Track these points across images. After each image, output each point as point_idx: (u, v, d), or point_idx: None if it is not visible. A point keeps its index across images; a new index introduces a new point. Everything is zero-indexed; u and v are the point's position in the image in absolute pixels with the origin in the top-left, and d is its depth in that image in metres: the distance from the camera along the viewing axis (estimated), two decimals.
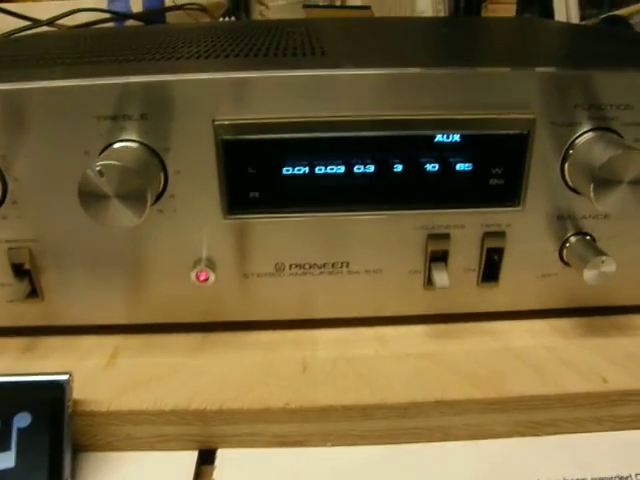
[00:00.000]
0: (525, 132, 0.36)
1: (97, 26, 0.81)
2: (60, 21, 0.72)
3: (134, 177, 0.33)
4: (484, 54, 0.50)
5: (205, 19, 0.85)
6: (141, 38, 0.62)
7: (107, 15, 0.79)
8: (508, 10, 0.97)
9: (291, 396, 0.36)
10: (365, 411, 0.36)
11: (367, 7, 0.89)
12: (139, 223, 0.34)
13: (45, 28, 0.68)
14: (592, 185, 0.34)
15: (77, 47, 0.58)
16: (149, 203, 0.33)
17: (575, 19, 0.95)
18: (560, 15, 0.94)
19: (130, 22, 0.88)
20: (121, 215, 0.33)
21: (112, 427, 0.36)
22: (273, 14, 0.91)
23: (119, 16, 0.78)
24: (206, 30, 0.69)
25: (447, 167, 0.37)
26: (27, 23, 0.67)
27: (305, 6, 0.93)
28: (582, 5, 0.95)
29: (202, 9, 0.75)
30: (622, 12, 0.96)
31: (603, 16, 0.96)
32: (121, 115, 0.35)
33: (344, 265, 0.40)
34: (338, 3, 0.91)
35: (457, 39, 0.60)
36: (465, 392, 0.36)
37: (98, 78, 0.35)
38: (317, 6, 0.91)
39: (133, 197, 0.33)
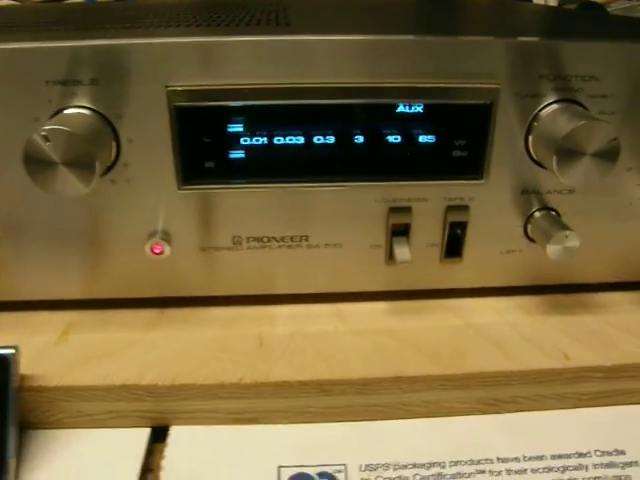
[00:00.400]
0: (489, 102, 0.35)
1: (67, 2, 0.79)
2: None
3: (81, 143, 0.31)
4: (452, 26, 0.49)
5: None
6: (107, 11, 0.60)
7: None
8: None
9: (245, 371, 0.35)
10: (322, 387, 0.35)
11: None
12: (88, 192, 0.32)
13: (6, 1, 0.65)
14: (555, 157, 0.33)
15: (37, 18, 0.56)
16: (97, 171, 0.32)
17: (552, 3, 0.95)
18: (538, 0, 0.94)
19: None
20: (68, 183, 0.32)
21: (62, 403, 0.35)
22: None
23: None
24: (177, 6, 0.67)
25: (409, 138, 0.37)
26: None
27: None
28: None
29: None
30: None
31: (580, 2, 0.96)
32: (71, 80, 0.34)
33: (303, 239, 0.39)
34: None
35: (427, 15, 0.59)
36: (425, 368, 0.35)
37: (47, 41, 0.34)
38: None
39: (81, 164, 0.32)
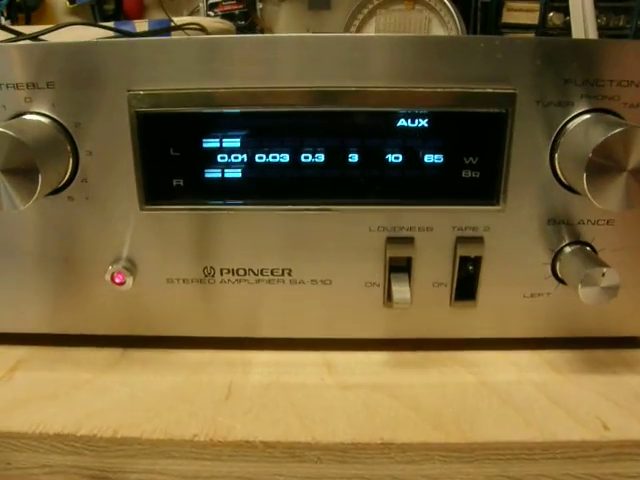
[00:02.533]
0: (503, 111, 0.30)
1: None
2: (57, 39, 0.69)
3: (25, 151, 0.27)
4: None
5: None
6: None
7: (111, 33, 0.75)
8: None
9: (203, 426, 0.29)
10: (292, 451, 0.28)
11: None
12: (24, 209, 0.28)
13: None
14: (585, 174, 0.27)
15: None
16: (40, 186, 0.28)
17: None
18: None
19: None
20: (3, 195, 0.28)
21: None
22: None
23: (122, 34, 0.75)
24: None
25: (411, 155, 0.31)
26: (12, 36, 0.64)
27: None
28: None
29: (202, 29, 0.72)
30: None
31: None
32: (25, 83, 0.30)
33: (286, 272, 0.33)
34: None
35: None
36: (422, 434, 0.29)
37: None
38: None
39: (22, 175, 0.28)
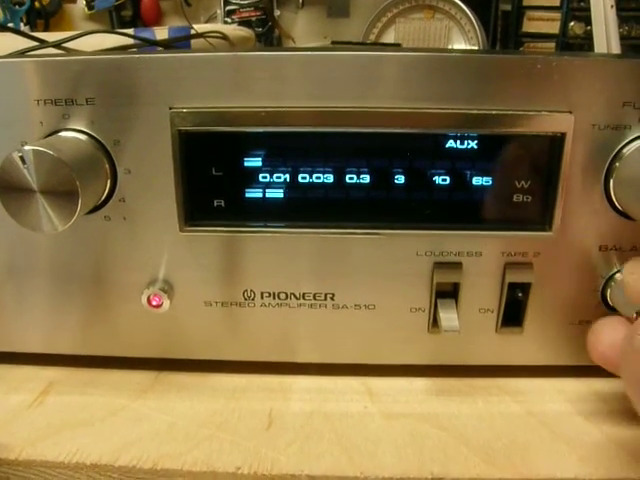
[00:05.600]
0: (559, 135, 0.29)
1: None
2: (81, 47, 0.68)
3: (65, 170, 0.27)
4: None
5: None
6: None
7: (131, 41, 0.74)
8: None
9: (246, 458, 0.28)
10: None
11: (398, 44, 0.84)
12: (63, 230, 0.27)
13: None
14: None
15: None
16: (80, 207, 0.27)
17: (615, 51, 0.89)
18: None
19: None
20: (43, 216, 0.27)
21: None
22: None
23: (142, 42, 0.74)
24: None
25: (460, 179, 0.30)
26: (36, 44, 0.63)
27: (334, 42, 0.89)
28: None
29: (224, 38, 0.71)
30: None
31: None
32: (64, 99, 0.29)
33: (328, 297, 0.32)
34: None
35: None
36: (473, 468, 0.28)
37: (36, 57, 0.30)
38: (347, 43, 0.86)
39: (61, 196, 0.27)
